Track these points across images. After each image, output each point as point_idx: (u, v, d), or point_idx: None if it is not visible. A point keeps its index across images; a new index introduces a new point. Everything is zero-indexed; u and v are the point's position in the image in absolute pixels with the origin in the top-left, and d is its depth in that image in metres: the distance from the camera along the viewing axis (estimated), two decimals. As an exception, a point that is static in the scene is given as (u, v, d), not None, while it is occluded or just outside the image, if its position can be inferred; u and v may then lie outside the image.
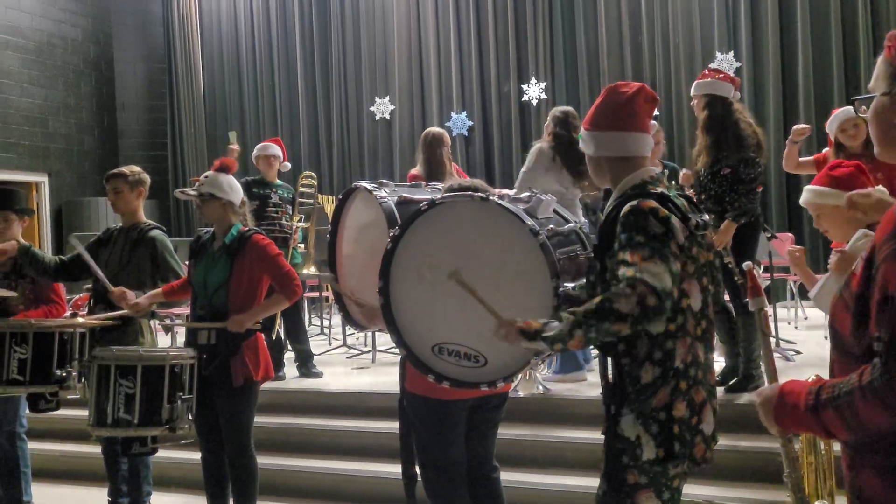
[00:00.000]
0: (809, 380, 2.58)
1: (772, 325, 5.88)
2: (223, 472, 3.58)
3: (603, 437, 2.16)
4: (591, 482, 2.23)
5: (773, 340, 5.71)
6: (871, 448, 1.37)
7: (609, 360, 2.14)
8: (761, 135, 4.52)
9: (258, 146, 6.09)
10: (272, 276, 3.51)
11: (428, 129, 5.46)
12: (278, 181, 5.99)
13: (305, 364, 5.75)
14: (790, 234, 7.49)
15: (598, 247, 2.14)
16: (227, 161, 3.64)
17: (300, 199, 6.39)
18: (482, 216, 2.36)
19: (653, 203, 2.03)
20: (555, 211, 2.63)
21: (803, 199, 2.89)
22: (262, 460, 3.72)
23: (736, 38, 8.63)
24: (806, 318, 7.07)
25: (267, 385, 4.41)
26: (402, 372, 2.85)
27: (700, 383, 2.09)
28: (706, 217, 2.23)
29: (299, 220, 6.13)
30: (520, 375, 2.40)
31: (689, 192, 4.54)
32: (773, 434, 1.63)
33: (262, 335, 3.58)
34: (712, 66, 8.49)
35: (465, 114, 9.85)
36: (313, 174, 7.04)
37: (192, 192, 3.56)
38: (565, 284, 2.25)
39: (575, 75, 9.29)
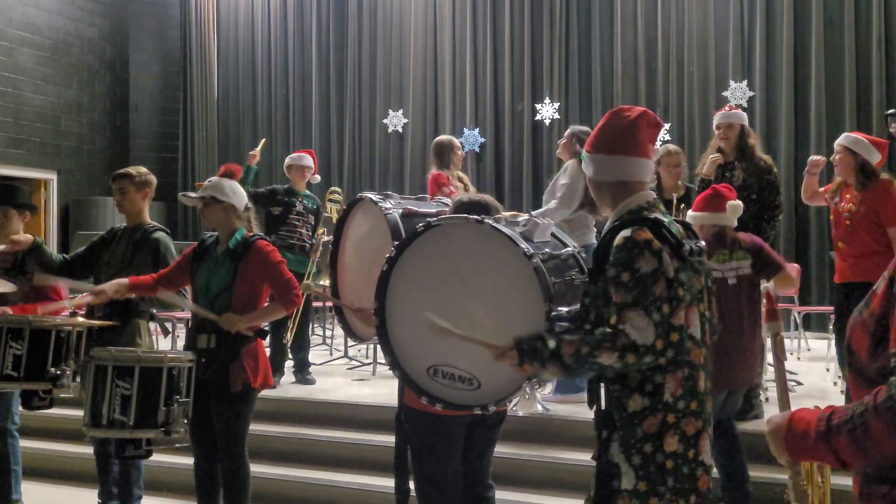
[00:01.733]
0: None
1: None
2: (215, 479, 3.56)
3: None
4: (588, 504, 2.21)
5: (771, 369, 5.67)
6: (879, 478, 1.32)
7: (601, 386, 2.14)
8: (771, 161, 4.67)
9: (292, 156, 6.19)
10: (272, 284, 3.51)
11: (438, 138, 5.53)
12: (307, 191, 6.07)
13: (301, 371, 5.83)
14: (796, 265, 7.45)
15: (593, 270, 2.16)
16: (232, 167, 3.67)
17: (326, 214, 6.48)
18: (477, 239, 2.37)
19: (647, 234, 2.04)
20: (553, 234, 2.61)
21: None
22: (256, 468, 3.71)
23: (750, 68, 8.63)
24: (809, 350, 7.03)
25: (265, 392, 4.40)
26: (402, 386, 2.84)
27: (692, 414, 2.07)
28: (702, 243, 2.24)
29: (323, 233, 6.17)
30: (517, 397, 2.39)
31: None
32: (783, 464, 1.56)
33: (262, 342, 3.58)
34: (725, 94, 8.56)
35: (477, 130, 9.87)
36: (339, 189, 7.12)
37: (195, 196, 3.57)
38: (560, 308, 2.24)
39: (589, 97, 9.31)
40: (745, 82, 8.61)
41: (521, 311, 2.25)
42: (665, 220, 2.14)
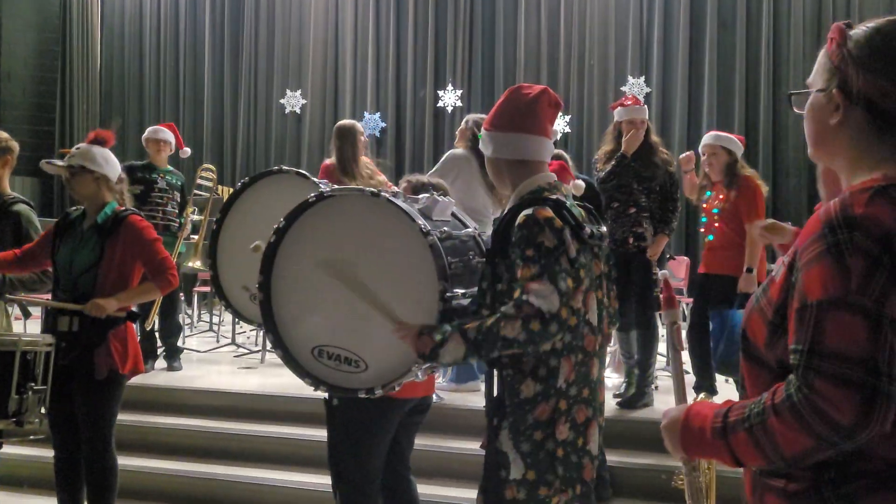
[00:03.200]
0: (698, 399, 2.55)
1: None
2: (78, 473, 3.28)
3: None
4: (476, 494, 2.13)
5: (661, 359, 5.80)
6: (772, 472, 1.28)
7: (495, 372, 2.07)
8: (669, 154, 4.78)
9: (149, 129, 5.88)
10: (145, 263, 3.23)
11: (340, 122, 5.35)
12: (168, 167, 5.77)
13: (170, 357, 5.58)
14: (686, 258, 7.71)
15: (491, 252, 2.07)
16: (104, 133, 3.34)
17: (197, 192, 6.19)
18: (372, 213, 2.24)
19: (549, 213, 1.98)
20: (453, 214, 2.51)
21: None
22: (128, 461, 3.45)
23: (648, 65, 8.88)
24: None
25: (140, 380, 4.11)
26: None
27: (583, 402, 2.03)
28: (604, 228, 2.19)
29: (193, 212, 5.93)
30: (406, 381, 2.27)
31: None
32: (678, 461, 1.50)
33: (133, 325, 3.29)
34: (623, 89, 8.75)
35: (378, 115, 9.68)
36: (213, 167, 6.80)
37: (61, 164, 3.24)
38: (456, 290, 2.15)
39: (491, 85, 9.33)
40: (642, 78, 8.84)
41: (416, 289, 2.14)
42: (567, 201, 2.08)
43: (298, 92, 9.97)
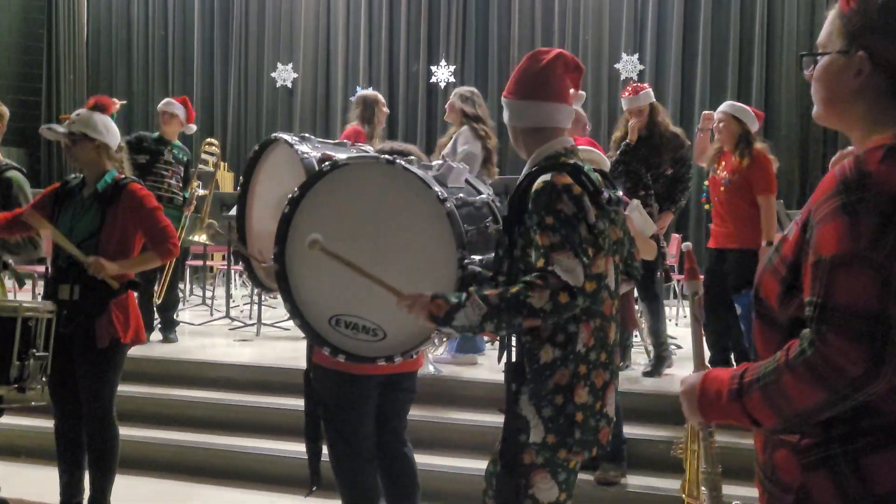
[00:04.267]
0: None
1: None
2: (79, 442, 3.25)
3: (493, 419, 2.07)
4: (477, 464, 2.15)
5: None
6: (787, 429, 1.29)
7: (513, 338, 2.06)
8: (682, 135, 4.77)
9: (163, 101, 5.86)
10: (146, 231, 3.19)
11: (363, 91, 5.45)
12: (177, 142, 5.74)
13: (166, 330, 5.60)
14: (677, 235, 7.75)
15: (508, 219, 2.06)
16: (104, 100, 3.28)
17: (201, 167, 6.23)
18: (387, 180, 2.22)
19: (567, 179, 1.96)
20: (467, 181, 2.49)
21: None
22: (126, 431, 3.42)
23: (641, 42, 8.85)
24: (685, 317, 7.30)
25: (139, 352, 4.08)
26: (310, 344, 2.65)
27: (602, 366, 2.03)
28: (619, 193, 2.18)
29: (198, 187, 5.95)
30: (425, 348, 2.25)
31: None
32: (695, 426, 1.52)
33: (134, 294, 3.26)
34: (617, 66, 8.73)
35: (370, 89, 9.57)
36: (216, 142, 6.78)
37: (61, 131, 3.18)
38: (473, 257, 2.14)
39: (485, 61, 9.27)
40: (636, 56, 8.81)
41: (433, 256, 2.13)
42: (584, 166, 2.06)
43: (290, 65, 9.86)
